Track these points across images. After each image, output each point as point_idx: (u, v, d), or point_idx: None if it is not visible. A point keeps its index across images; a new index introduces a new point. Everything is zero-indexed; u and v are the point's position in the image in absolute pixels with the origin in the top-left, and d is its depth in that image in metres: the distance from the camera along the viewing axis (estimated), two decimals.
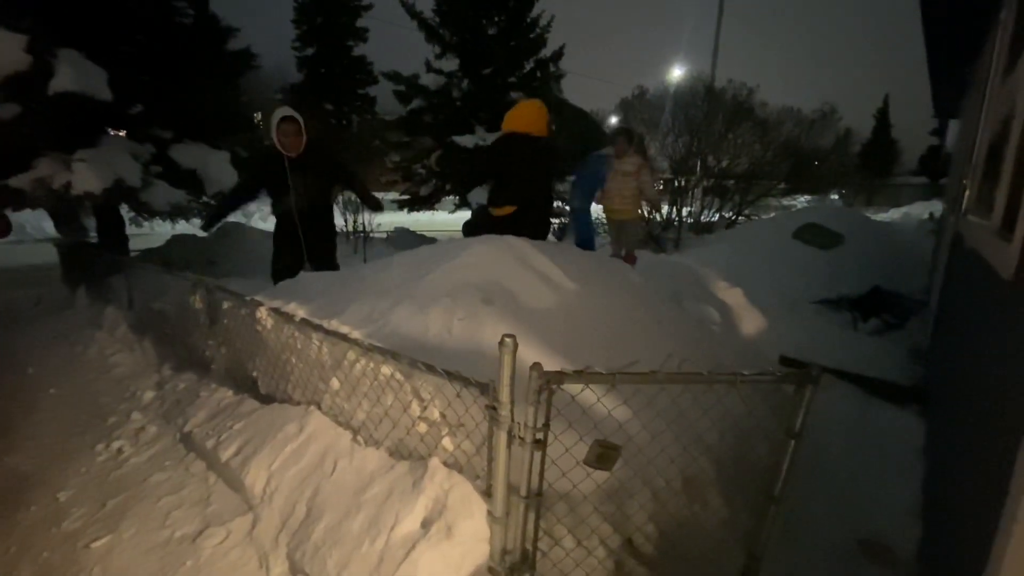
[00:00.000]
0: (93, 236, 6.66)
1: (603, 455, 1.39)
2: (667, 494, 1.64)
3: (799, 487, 2.04)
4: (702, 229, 10.86)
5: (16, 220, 9.61)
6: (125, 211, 6.53)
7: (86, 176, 5.04)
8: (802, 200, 16.37)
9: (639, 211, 6.01)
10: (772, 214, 11.38)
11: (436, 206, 12.04)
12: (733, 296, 4.46)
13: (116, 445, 2.52)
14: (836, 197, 26.07)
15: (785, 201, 14.80)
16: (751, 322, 4.24)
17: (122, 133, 5.95)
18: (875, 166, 30.64)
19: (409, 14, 10.73)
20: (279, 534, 1.69)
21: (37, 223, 11.57)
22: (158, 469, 2.29)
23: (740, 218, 11.51)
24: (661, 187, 11.13)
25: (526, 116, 3.45)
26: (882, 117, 38.04)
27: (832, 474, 2.46)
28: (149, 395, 3.04)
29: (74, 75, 4.89)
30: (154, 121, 5.99)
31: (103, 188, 5.13)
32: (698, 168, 10.81)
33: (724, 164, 10.97)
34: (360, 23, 17.78)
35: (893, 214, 19.21)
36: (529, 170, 3.43)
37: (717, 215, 11.42)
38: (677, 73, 15.19)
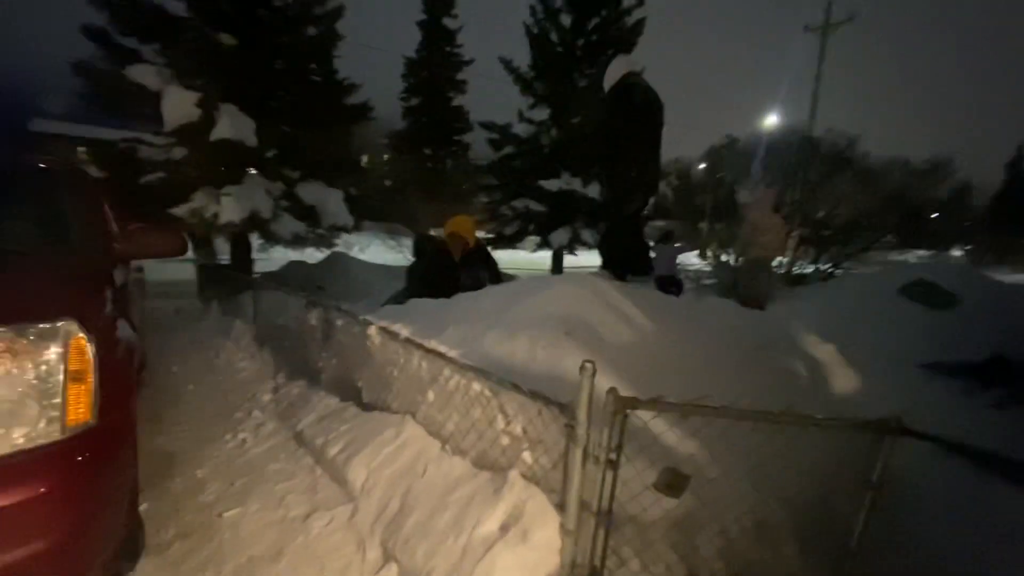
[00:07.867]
0: (222, 258, 7.76)
1: (673, 482, 1.49)
2: (736, 533, 1.67)
3: (892, 557, 1.93)
4: (794, 281, 10.28)
5: None
6: (254, 238, 7.55)
7: (230, 208, 5.99)
8: (914, 256, 14.95)
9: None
10: (876, 269, 10.52)
11: (518, 245, 12.54)
12: (824, 352, 4.22)
13: (241, 436, 2.95)
14: (959, 254, 23.45)
15: (896, 256, 13.60)
16: (844, 381, 3.97)
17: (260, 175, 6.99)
18: (1008, 221, 27.27)
19: (507, 69, 11.62)
20: (375, 523, 1.92)
21: None
22: (274, 460, 2.65)
23: (838, 271, 10.76)
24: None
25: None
26: (1015, 167, 33.99)
27: (936, 553, 2.27)
28: (267, 397, 3.51)
29: (231, 125, 5.91)
30: (286, 163, 6.99)
31: (242, 218, 6.06)
32: (791, 215, 10.34)
33: (821, 215, 10.43)
34: (461, 76, 19.48)
35: None
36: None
37: (813, 267, 10.76)
38: (771, 121, 14.81)
